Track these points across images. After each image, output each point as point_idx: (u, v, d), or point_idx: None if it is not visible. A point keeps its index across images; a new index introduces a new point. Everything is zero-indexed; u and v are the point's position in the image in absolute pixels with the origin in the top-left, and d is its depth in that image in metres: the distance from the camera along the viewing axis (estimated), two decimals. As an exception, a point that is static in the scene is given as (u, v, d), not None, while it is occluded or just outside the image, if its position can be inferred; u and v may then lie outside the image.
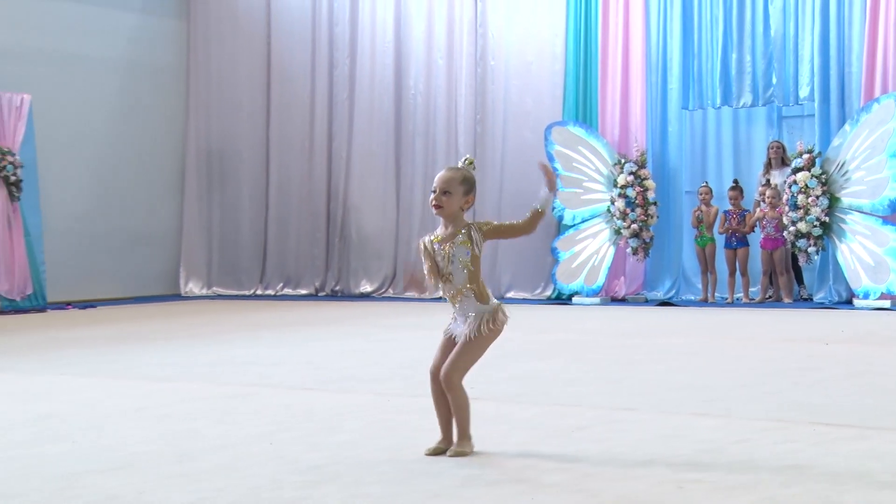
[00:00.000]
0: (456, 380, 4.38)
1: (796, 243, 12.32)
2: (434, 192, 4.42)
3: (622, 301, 13.51)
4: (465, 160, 4.55)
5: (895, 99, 11.80)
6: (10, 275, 13.24)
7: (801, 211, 12.21)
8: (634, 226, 13.16)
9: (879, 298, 11.78)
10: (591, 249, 13.53)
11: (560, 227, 13.82)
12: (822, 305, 12.29)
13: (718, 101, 13.20)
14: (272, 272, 15.73)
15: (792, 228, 12.30)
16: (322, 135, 15.51)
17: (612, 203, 13.32)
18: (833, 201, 12.25)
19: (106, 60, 15.00)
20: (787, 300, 12.67)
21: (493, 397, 5.83)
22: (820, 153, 12.34)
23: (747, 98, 13.02)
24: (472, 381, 6.04)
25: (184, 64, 15.97)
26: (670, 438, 4.71)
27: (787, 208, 12.38)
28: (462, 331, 4.41)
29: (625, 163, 13.24)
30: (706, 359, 7.72)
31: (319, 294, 15.35)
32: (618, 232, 13.31)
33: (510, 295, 14.18)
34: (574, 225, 13.65)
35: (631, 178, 13.15)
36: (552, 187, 4.47)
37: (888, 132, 11.73)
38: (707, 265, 13.12)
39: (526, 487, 3.86)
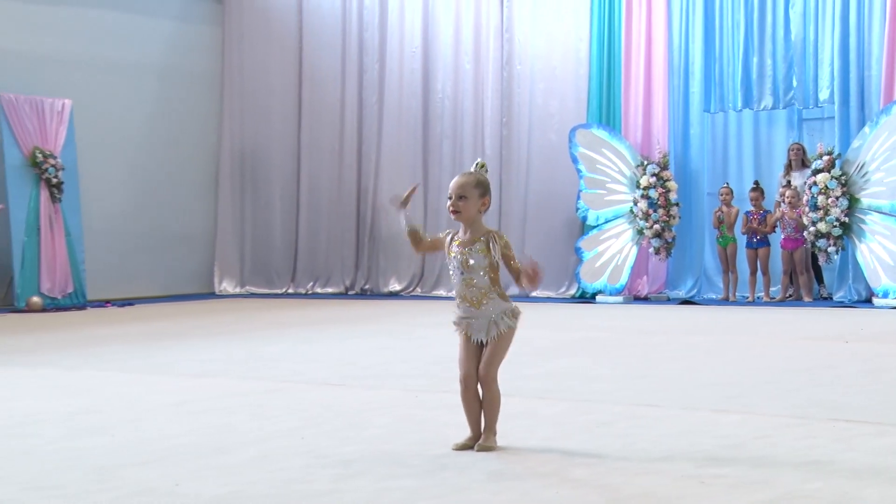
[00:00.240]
0: (494, 375, 4.41)
1: (816, 243, 12.24)
2: (450, 198, 4.42)
3: (645, 300, 13.46)
4: (478, 164, 4.55)
5: (914, 101, 11.71)
6: (52, 274, 13.35)
7: (821, 212, 12.13)
8: (657, 226, 13.12)
9: (898, 297, 11.70)
10: (614, 249, 13.49)
11: (584, 228, 13.79)
12: (841, 304, 12.20)
13: (740, 103, 13.13)
14: (303, 271, 15.78)
15: (812, 229, 12.22)
16: (352, 137, 15.54)
17: (635, 204, 13.28)
18: (853, 202, 12.16)
19: (144, 66, 15.09)
20: (807, 299, 12.59)
21: (520, 394, 5.82)
22: (840, 155, 12.26)
23: (768, 101, 12.95)
24: (499, 378, 6.03)
25: (218, 69, 16.04)
26: (692, 434, 4.69)
27: (807, 209, 12.30)
28: (487, 333, 4.40)
29: (647, 164, 13.20)
30: (727, 356, 7.68)
31: (349, 293, 15.38)
32: (640, 232, 13.27)
33: (535, 294, 14.14)
34: (598, 225, 13.62)
35: (653, 179, 13.11)
36: (530, 281, 4.42)
37: (907, 134, 11.64)
38: (728, 265, 13.06)
39: (551, 481, 3.85)
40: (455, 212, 4.43)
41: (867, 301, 12.15)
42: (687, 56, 13.45)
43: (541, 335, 9.19)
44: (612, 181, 13.51)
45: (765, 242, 12.88)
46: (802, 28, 12.74)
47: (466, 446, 4.41)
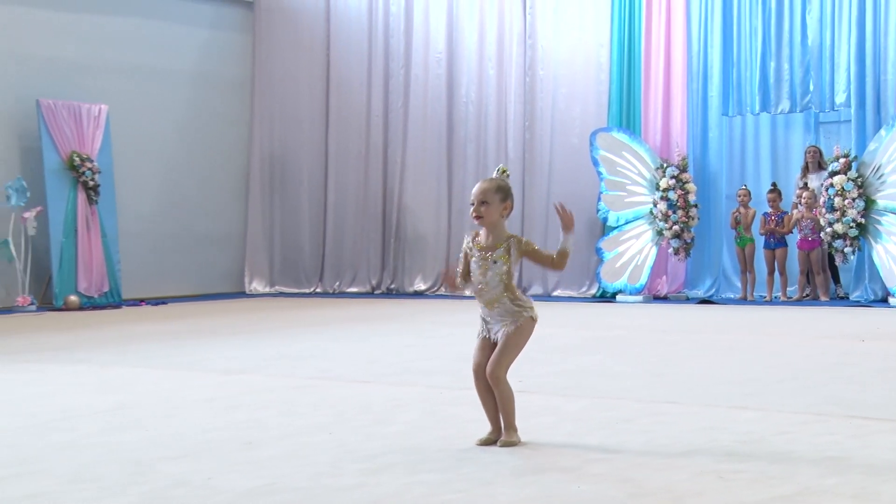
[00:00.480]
0: (501, 375, 4.40)
1: (833, 244, 12.16)
2: (473, 204, 4.43)
3: (664, 299, 13.41)
4: (499, 170, 4.55)
5: (930, 104, 11.62)
6: (89, 273, 13.44)
7: (838, 213, 12.05)
8: (676, 227, 13.07)
9: (914, 297, 11.60)
10: (634, 250, 13.45)
11: (605, 229, 13.76)
12: (857, 304, 12.11)
13: (757, 107, 13.06)
14: (330, 271, 15.81)
15: (829, 230, 12.14)
16: (378, 141, 15.56)
17: (655, 205, 13.23)
18: (869, 203, 12.08)
19: (177, 73, 15.17)
20: (824, 298, 12.51)
21: (542, 391, 5.81)
22: (856, 157, 12.18)
23: (785, 104, 12.88)
24: (522, 375, 6.03)
25: (249, 76, 16.10)
26: (711, 430, 4.66)
27: (823, 210, 12.23)
28: (500, 330, 4.41)
29: (667, 167, 13.16)
30: (746, 354, 7.64)
31: (375, 292, 15.40)
32: (660, 233, 13.22)
33: (557, 293, 14.15)
34: (618, 226, 13.58)
35: (672, 181, 13.07)
36: (567, 228, 4.42)
37: (923, 137, 11.55)
38: (746, 265, 12.99)
39: (572, 476, 3.84)
40: (478, 217, 4.43)
41: (883, 300, 12.05)
42: (705, 61, 13.40)
43: (562, 333, 9.17)
44: (632, 183, 13.47)
45: (782, 243, 12.80)
46: (819, 33, 12.66)
47: (489, 441, 4.41)
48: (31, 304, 12.92)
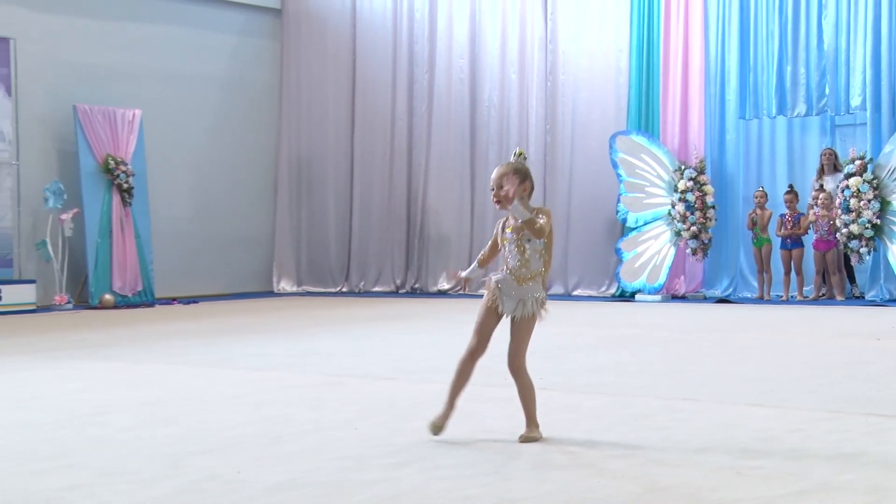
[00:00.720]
0: (522, 364, 4.41)
1: (848, 244, 12.08)
2: (493, 189, 4.42)
3: (682, 298, 13.36)
4: (516, 153, 4.53)
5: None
6: (123, 273, 13.52)
7: (854, 214, 11.97)
8: (694, 228, 13.03)
9: (929, 297, 11.51)
10: (652, 250, 13.41)
11: (624, 230, 13.72)
12: (873, 303, 12.02)
13: (774, 110, 12.99)
14: (356, 271, 15.84)
15: (844, 230, 12.06)
16: (402, 145, 15.57)
17: (673, 207, 13.18)
18: (884, 205, 11.99)
19: (208, 78, 15.25)
20: (839, 298, 12.42)
21: (562, 388, 5.81)
22: (871, 159, 12.10)
23: (801, 108, 12.79)
24: (543, 372, 6.02)
25: (277, 81, 16.16)
26: (728, 427, 4.65)
27: (839, 211, 12.14)
28: (514, 310, 4.39)
29: (685, 169, 13.11)
30: (762, 353, 7.60)
31: (399, 291, 15.42)
32: (678, 234, 13.17)
33: (577, 292, 14.12)
34: (637, 227, 13.54)
35: (690, 183, 13.02)
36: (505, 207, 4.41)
37: (937, 139, 11.45)
38: (763, 265, 12.92)
39: (592, 471, 3.84)
40: (498, 202, 4.42)
41: (898, 300, 11.97)
42: (723, 65, 13.33)
43: (582, 332, 9.16)
44: (650, 185, 13.42)
45: (798, 244, 12.73)
46: (835, 38, 12.57)
47: (438, 426, 4.38)
48: (68, 302, 13.02)
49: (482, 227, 14.82)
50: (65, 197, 13.05)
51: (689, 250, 13.18)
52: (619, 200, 13.58)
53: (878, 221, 11.95)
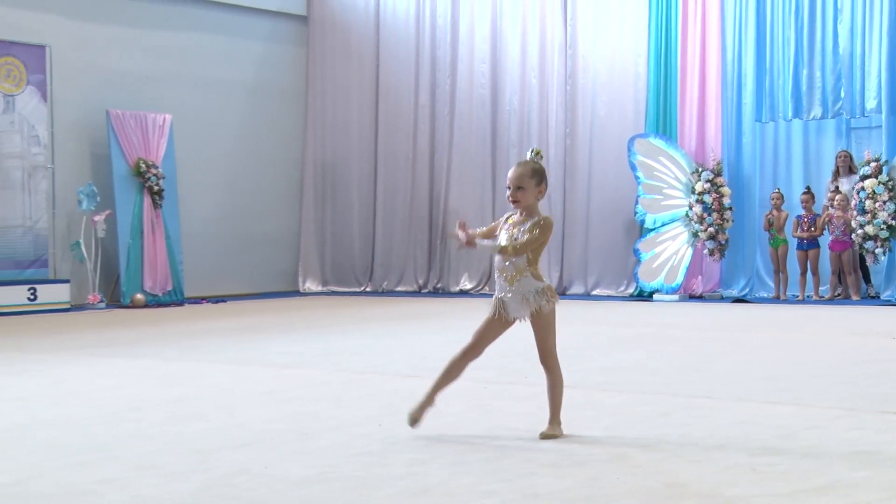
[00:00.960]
0: (553, 353, 4.41)
1: (864, 245, 12.01)
2: (509, 188, 4.42)
3: (699, 298, 13.31)
4: (533, 151, 4.52)
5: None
6: (154, 273, 13.60)
7: (869, 215, 11.89)
8: (711, 229, 12.98)
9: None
10: (670, 251, 13.36)
11: (642, 231, 13.68)
12: (888, 303, 11.93)
13: (790, 113, 12.91)
14: (380, 271, 15.86)
15: (860, 231, 11.99)
16: (425, 147, 15.59)
17: (690, 208, 13.14)
18: (899, 206, 11.90)
19: (236, 83, 15.31)
20: (855, 298, 12.34)
21: (583, 385, 5.80)
22: (887, 161, 12.01)
23: (817, 111, 12.71)
24: (563, 371, 5.99)
25: (303, 86, 16.21)
26: (745, 424, 4.63)
27: (855, 213, 12.07)
28: (521, 310, 4.38)
29: (702, 171, 13.06)
30: (779, 351, 7.56)
31: (422, 291, 15.43)
32: (695, 235, 13.12)
33: (596, 292, 14.10)
34: (655, 228, 13.50)
35: (708, 185, 12.97)
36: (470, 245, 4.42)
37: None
38: (779, 265, 12.86)
39: (612, 467, 3.83)
40: (515, 201, 4.42)
41: (913, 300, 11.88)
42: (740, 69, 13.27)
43: (602, 331, 9.14)
44: (668, 187, 13.38)
45: (814, 244, 12.65)
46: (850, 42, 12.49)
47: (415, 418, 4.41)
48: (101, 301, 13.11)
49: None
50: (98, 199, 13.15)
51: (706, 251, 13.13)
52: (637, 202, 13.54)
53: (894, 222, 11.87)
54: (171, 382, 6.35)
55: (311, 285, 15.97)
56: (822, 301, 12.39)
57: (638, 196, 13.52)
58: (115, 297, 13.54)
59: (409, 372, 6.65)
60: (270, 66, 15.77)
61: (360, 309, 12.56)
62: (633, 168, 13.49)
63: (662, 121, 13.70)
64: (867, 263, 12.37)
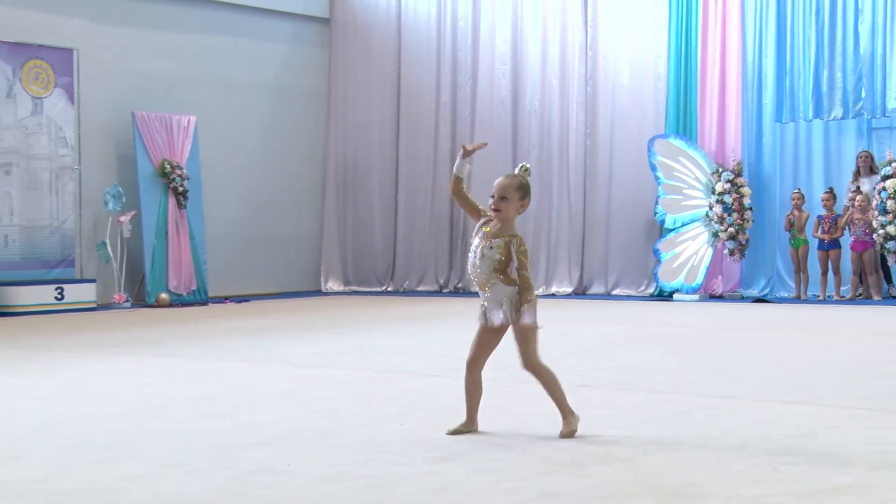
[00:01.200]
0: (536, 363, 4.40)
1: (885, 245, 11.91)
2: (493, 197, 4.41)
3: (720, 298, 13.24)
4: (522, 167, 4.53)
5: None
6: (178, 273, 13.67)
7: (890, 215, 11.80)
8: (731, 229, 12.91)
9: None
10: (690, 251, 13.30)
11: (662, 231, 13.63)
12: (910, 303, 11.85)
13: (811, 114, 12.83)
14: (401, 271, 15.88)
15: (881, 231, 11.89)
16: (445, 148, 15.58)
17: (711, 208, 13.08)
18: (920, 206, 11.80)
19: (259, 85, 15.37)
20: (876, 298, 12.24)
21: (601, 385, 5.78)
22: (908, 161, 11.91)
23: (838, 111, 12.62)
24: (582, 370, 6.00)
25: (325, 87, 16.24)
26: (765, 424, 4.60)
27: (876, 213, 11.97)
28: (500, 317, 4.36)
29: (722, 172, 13.00)
30: (799, 351, 7.51)
31: (443, 290, 15.43)
32: (716, 235, 13.06)
33: (616, 292, 14.05)
34: (675, 228, 13.45)
35: (728, 185, 12.91)
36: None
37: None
38: (800, 265, 12.77)
39: (630, 466, 3.82)
40: (496, 210, 4.43)
41: (935, 300, 11.77)
42: (760, 69, 13.20)
43: (621, 330, 9.11)
44: (688, 187, 13.33)
45: (835, 244, 12.56)
46: (871, 42, 12.39)
47: (460, 431, 4.42)
48: (126, 301, 13.19)
49: (522, 228, 14.75)
50: (123, 200, 13.22)
51: (726, 251, 13.06)
52: (657, 202, 13.49)
53: (915, 223, 11.77)
54: (195, 381, 6.38)
55: (333, 285, 16.00)
56: (843, 301, 12.30)
57: (658, 196, 13.47)
58: (140, 297, 13.61)
59: (430, 371, 6.65)
60: (293, 68, 15.82)
61: (381, 308, 12.58)
62: (654, 168, 13.44)
63: (682, 121, 13.65)
64: (889, 263, 12.28)
